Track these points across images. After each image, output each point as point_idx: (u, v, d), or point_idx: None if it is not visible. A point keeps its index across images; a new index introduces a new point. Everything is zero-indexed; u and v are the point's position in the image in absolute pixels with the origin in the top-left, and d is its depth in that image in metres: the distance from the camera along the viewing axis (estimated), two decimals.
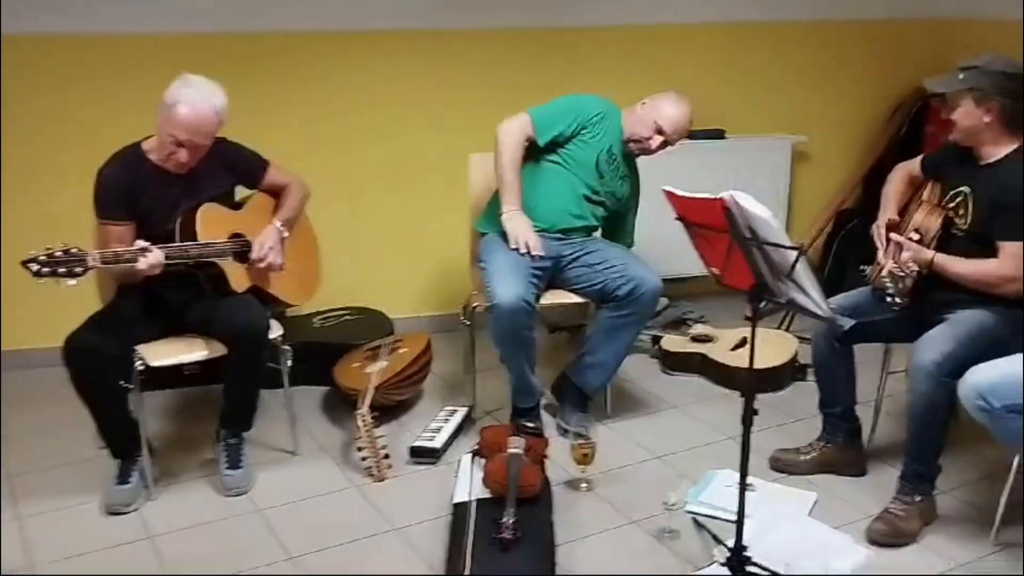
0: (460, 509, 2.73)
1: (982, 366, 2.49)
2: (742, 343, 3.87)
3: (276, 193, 3.15)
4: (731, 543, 2.49)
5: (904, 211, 2.98)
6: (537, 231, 3.22)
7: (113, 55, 3.68)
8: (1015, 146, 2.72)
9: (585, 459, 2.97)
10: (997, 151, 2.73)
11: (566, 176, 3.32)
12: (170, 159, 2.83)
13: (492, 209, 3.34)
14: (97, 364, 2.71)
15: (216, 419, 3.04)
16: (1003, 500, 2.67)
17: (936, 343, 2.64)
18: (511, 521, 2.56)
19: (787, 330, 4.09)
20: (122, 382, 2.77)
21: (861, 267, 4.44)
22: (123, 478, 2.87)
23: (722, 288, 2.48)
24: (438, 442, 3.19)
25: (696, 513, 2.83)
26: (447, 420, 3.34)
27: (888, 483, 2.92)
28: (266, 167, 3.11)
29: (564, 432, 3.29)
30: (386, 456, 3.07)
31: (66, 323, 2.77)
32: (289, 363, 3.17)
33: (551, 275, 3.29)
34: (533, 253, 3.14)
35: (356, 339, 3.71)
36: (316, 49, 3.88)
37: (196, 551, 2.67)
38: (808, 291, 2.17)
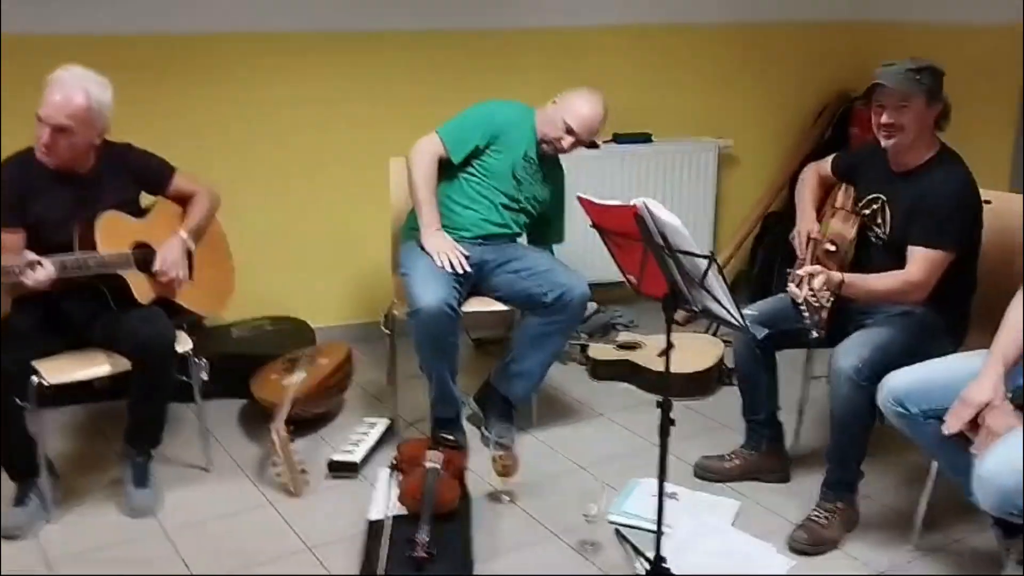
0: (375, 527, 2.65)
1: (899, 371, 2.48)
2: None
3: (184, 201, 3.03)
4: (652, 555, 2.45)
5: (819, 215, 2.97)
6: (457, 239, 3.16)
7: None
8: (935, 151, 2.71)
9: (506, 471, 2.91)
10: (919, 158, 2.71)
11: (483, 187, 3.26)
12: (39, 145, 2.69)
13: (414, 216, 3.27)
14: None
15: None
16: (922, 505, 2.67)
17: (855, 349, 2.62)
18: (426, 539, 2.48)
19: (715, 334, 4.07)
20: (17, 400, 2.63)
21: (788, 270, 4.46)
22: (20, 500, 2.73)
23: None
24: (357, 456, 3.10)
25: (618, 524, 2.79)
26: (367, 432, 3.26)
27: (811, 489, 2.91)
28: (172, 174, 2.99)
29: (487, 442, 3.22)
30: (303, 471, 2.97)
31: None
32: (205, 376, 3.05)
33: (474, 282, 3.22)
34: (459, 271, 3.07)
35: (275, 349, 3.60)
36: (233, 51, 3.76)
37: None
38: (720, 300, 2.13)
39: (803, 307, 2.50)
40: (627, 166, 4.37)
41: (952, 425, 2.27)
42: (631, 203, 2.17)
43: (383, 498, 2.78)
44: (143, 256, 2.84)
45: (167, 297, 2.91)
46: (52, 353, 2.77)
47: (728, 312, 2.14)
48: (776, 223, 4.67)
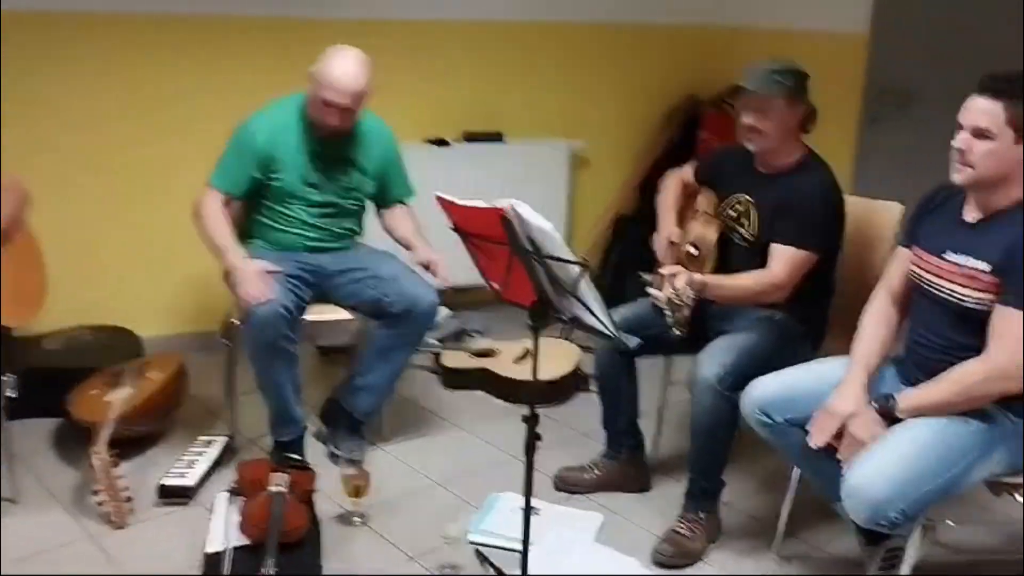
0: (213, 560, 2.39)
1: (762, 379, 2.44)
2: (525, 355, 3.72)
3: None
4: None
5: (681, 221, 2.91)
6: (287, 256, 2.95)
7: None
8: (801, 154, 2.70)
9: (358, 491, 2.71)
10: (784, 160, 2.69)
11: (285, 209, 2.99)
12: None
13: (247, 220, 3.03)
14: None
15: None
16: (784, 512, 2.65)
17: (717, 356, 2.57)
18: (272, 572, 2.26)
19: (567, 339, 3.98)
20: None
21: (639, 273, 4.43)
22: None
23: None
24: (191, 479, 2.82)
25: (479, 544, 2.64)
26: (203, 452, 2.98)
27: (672, 497, 2.86)
28: None
29: (335, 460, 3.00)
30: (128, 499, 2.68)
31: None
32: (12, 393, 2.70)
33: (317, 288, 2.99)
34: (269, 298, 2.76)
35: (95, 362, 3.25)
36: (51, 34, 3.37)
37: None
38: (593, 309, 2.01)
39: (665, 307, 2.42)
40: (477, 166, 4.22)
41: (817, 439, 2.24)
42: (497, 205, 2.02)
43: (222, 527, 2.52)
44: None
45: None
46: None
47: (601, 322, 2.02)
48: (627, 227, 4.64)
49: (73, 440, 3.04)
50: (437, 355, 3.82)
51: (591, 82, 4.59)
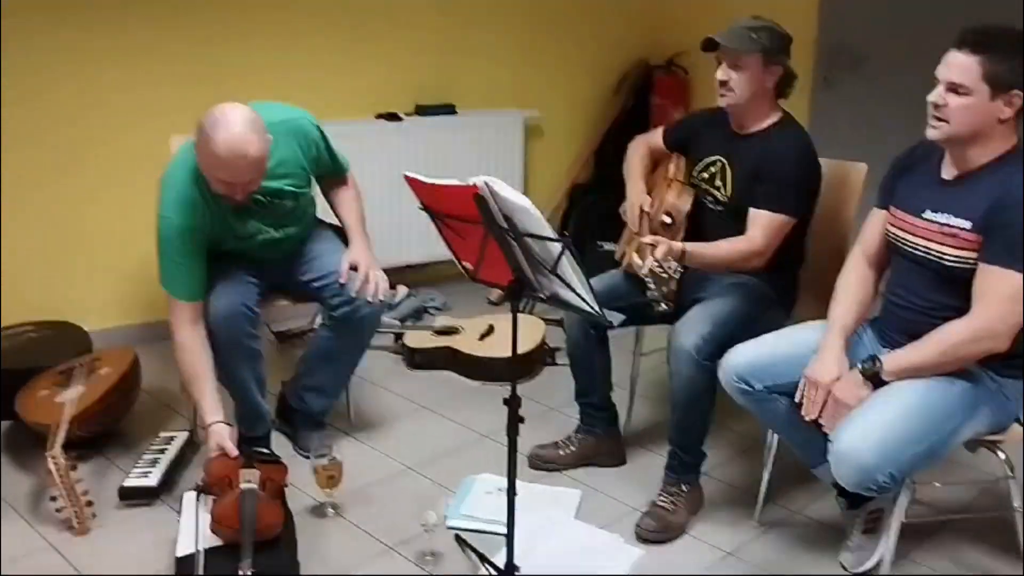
0: (185, 563, 2.28)
1: (740, 347, 2.41)
2: (489, 331, 3.66)
3: None
4: (498, 560, 2.26)
5: (649, 189, 2.86)
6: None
7: None
8: (778, 117, 2.65)
9: (331, 482, 2.63)
10: (761, 121, 2.64)
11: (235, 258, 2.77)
12: None
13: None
14: None
15: None
16: (764, 479, 2.63)
17: (694, 325, 2.54)
18: (249, 572, 2.17)
19: (531, 312, 3.93)
20: None
21: (599, 243, 4.39)
22: None
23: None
24: (154, 479, 2.71)
25: (458, 529, 2.58)
26: (164, 449, 2.86)
27: (649, 468, 2.85)
28: None
29: (304, 454, 2.91)
30: (88, 503, 2.56)
31: None
32: None
33: (269, 280, 2.86)
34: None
35: (43, 361, 3.10)
36: None
37: None
38: (574, 286, 1.95)
39: (649, 279, 2.37)
40: (431, 139, 4.13)
41: (810, 411, 2.21)
42: (470, 182, 1.94)
43: (191, 528, 2.40)
44: None
45: None
46: None
47: (583, 299, 1.96)
48: (584, 195, 4.59)
49: (25, 444, 2.91)
50: (399, 335, 3.73)
51: (543, 50, 4.50)
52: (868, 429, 2.05)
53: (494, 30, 4.36)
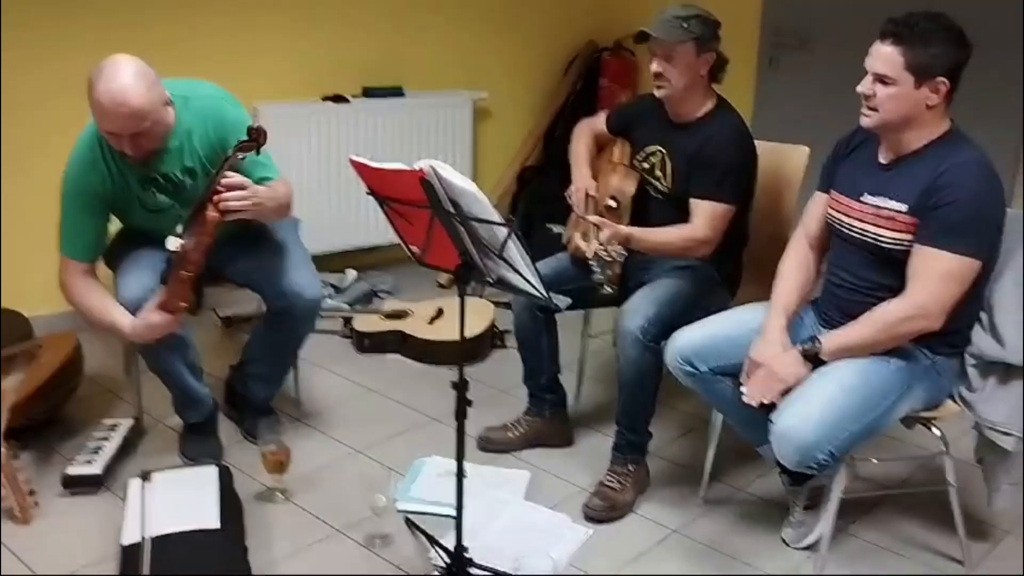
0: (130, 552, 2.26)
1: (685, 330, 2.44)
2: (439, 314, 3.66)
3: None
4: (447, 542, 2.27)
5: (593, 172, 2.87)
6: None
7: None
8: (713, 104, 2.67)
9: (279, 467, 2.62)
10: (696, 109, 2.66)
11: (143, 233, 2.70)
12: None
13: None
14: None
15: None
16: (709, 458, 2.67)
17: (640, 308, 2.56)
18: None
19: (480, 296, 3.93)
20: None
21: (547, 225, 4.40)
22: None
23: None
24: (98, 466, 2.67)
25: (408, 511, 2.58)
26: (108, 436, 2.82)
27: (597, 449, 2.88)
28: None
29: (251, 439, 2.89)
30: (31, 492, 2.52)
31: None
32: None
33: (209, 264, 2.80)
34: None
35: None
36: None
37: None
38: (521, 270, 1.96)
39: (593, 262, 2.38)
40: (378, 122, 4.10)
41: (754, 394, 2.22)
42: (416, 166, 1.93)
43: (137, 516, 2.39)
44: None
45: None
46: None
47: (530, 283, 1.97)
48: (533, 177, 4.60)
49: None
50: (348, 319, 3.72)
51: (491, 31, 4.49)
52: (807, 409, 2.10)
53: (442, 11, 4.33)
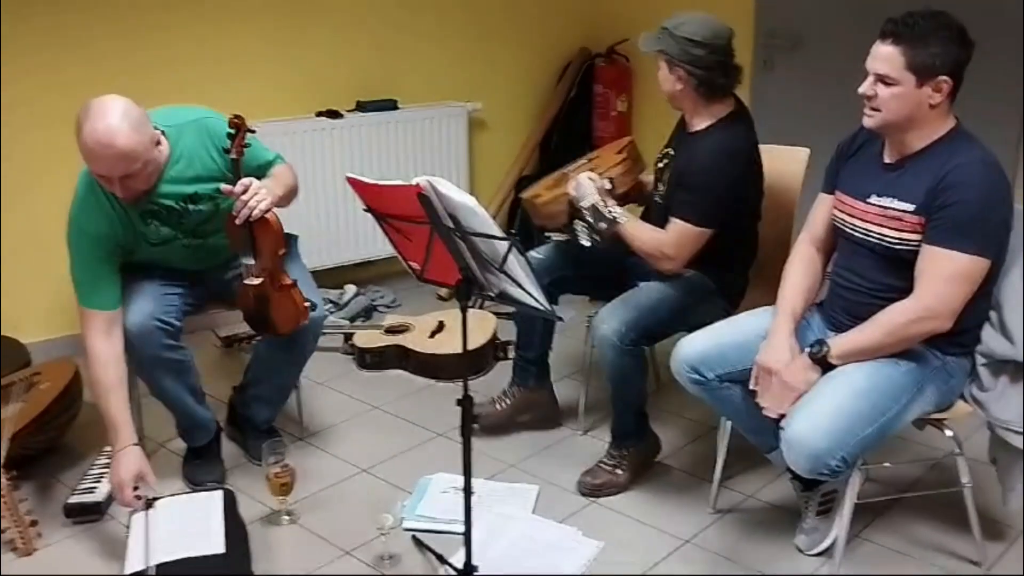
0: None
1: (690, 338, 2.42)
2: (440, 328, 3.63)
3: None
4: (456, 560, 2.24)
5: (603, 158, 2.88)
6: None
7: None
8: (711, 121, 2.61)
9: (284, 489, 2.59)
10: (698, 121, 2.64)
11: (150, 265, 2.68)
12: None
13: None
14: None
15: None
16: (718, 466, 2.64)
17: (617, 313, 2.59)
18: None
19: (481, 307, 3.90)
20: None
21: (547, 234, 4.38)
22: None
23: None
24: (100, 494, 2.64)
25: (415, 530, 2.55)
26: (109, 464, 2.77)
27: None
28: None
29: (255, 461, 2.86)
30: (33, 523, 2.49)
31: None
32: None
33: (203, 289, 2.79)
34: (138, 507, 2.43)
35: None
36: None
37: None
38: (523, 283, 1.93)
39: (588, 211, 2.48)
40: (372, 136, 4.07)
41: (767, 401, 2.21)
42: (414, 182, 1.91)
43: (141, 543, 2.35)
44: None
45: None
46: None
47: (531, 296, 1.94)
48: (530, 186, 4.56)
49: None
50: (348, 335, 3.68)
51: (484, 42, 4.46)
52: (818, 415, 2.07)
53: (434, 22, 4.30)
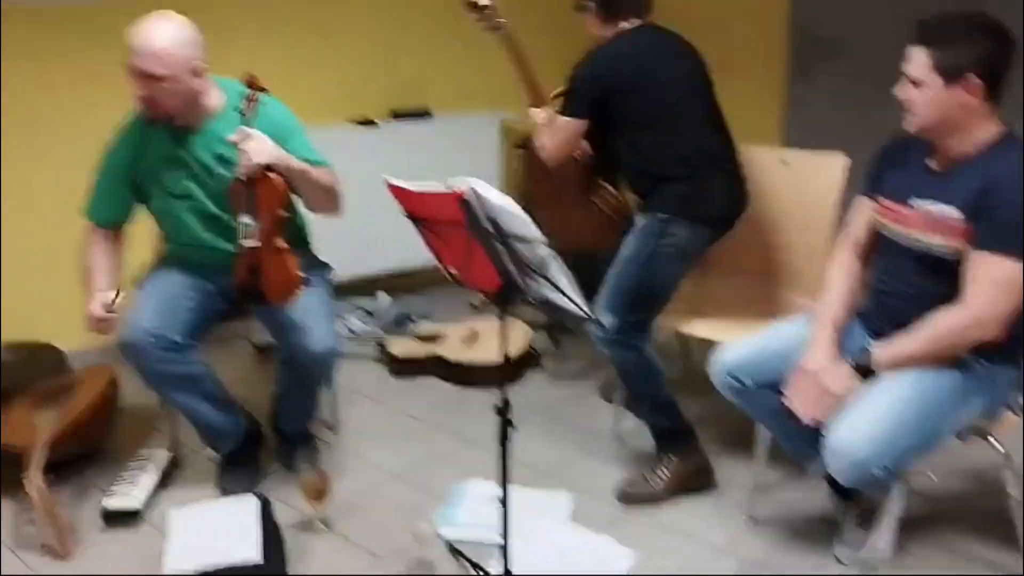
0: None
1: (729, 344, 2.40)
2: (473, 336, 3.62)
3: None
4: (492, 569, 2.22)
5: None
6: (188, 276, 2.72)
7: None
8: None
9: (319, 496, 2.58)
10: None
11: (172, 229, 2.70)
12: None
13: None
14: None
15: None
16: (755, 474, 2.61)
17: (601, 305, 2.60)
18: None
19: (515, 316, 3.89)
20: None
21: None
22: None
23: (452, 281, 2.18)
24: (136, 499, 2.65)
25: (451, 538, 2.54)
26: (146, 469, 2.80)
27: (637, 468, 2.81)
28: None
29: (290, 467, 2.86)
30: (70, 527, 2.51)
31: None
32: None
33: (232, 305, 2.78)
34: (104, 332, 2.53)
35: (19, 382, 3.04)
36: None
37: None
38: (563, 288, 1.91)
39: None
40: (407, 144, 4.08)
41: (803, 407, 2.18)
42: (454, 186, 1.90)
43: (177, 549, 2.35)
44: None
45: None
46: None
47: (573, 301, 1.92)
48: None
49: (4, 469, 2.83)
50: (382, 343, 3.68)
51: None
52: (861, 423, 2.03)
53: (469, 31, 4.29)
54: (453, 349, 3.54)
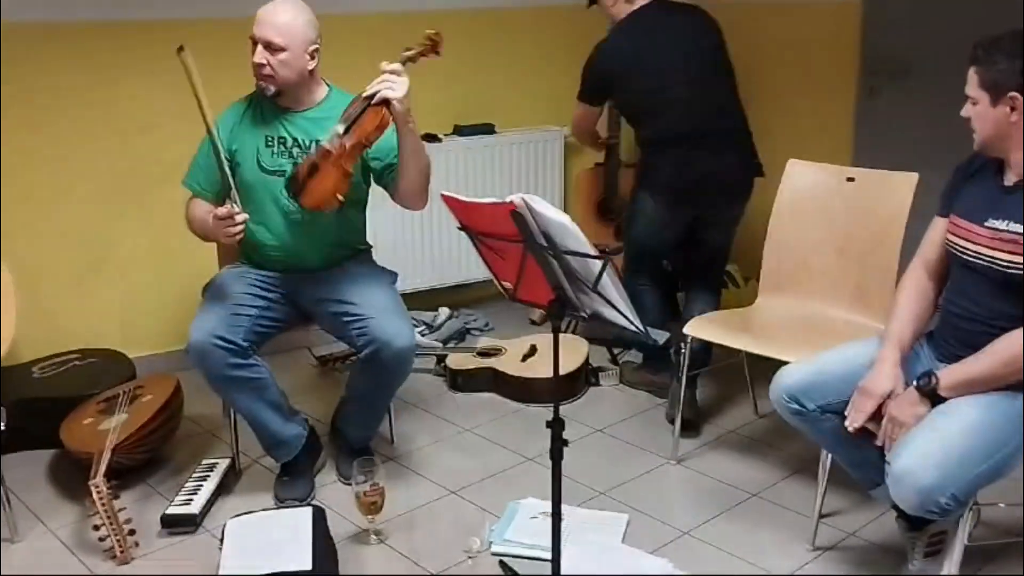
0: None
1: (790, 367, 2.35)
2: (532, 352, 3.60)
3: None
4: None
5: None
6: (258, 276, 2.79)
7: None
8: None
9: (373, 508, 2.59)
10: None
11: (254, 214, 2.68)
12: None
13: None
14: None
15: None
16: (818, 502, 2.53)
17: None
18: None
19: (574, 332, 3.87)
20: None
21: None
22: None
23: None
24: (196, 506, 2.69)
25: (503, 554, 2.52)
26: (206, 477, 2.84)
27: (699, 490, 2.77)
28: None
29: (345, 479, 2.87)
30: (131, 531, 2.55)
31: None
32: (2, 425, 2.56)
33: (297, 310, 2.82)
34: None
35: (88, 388, 3.13)
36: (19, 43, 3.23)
37: None
38: (616, 304, 1.89)
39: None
40: (470, 160, 4.11)
41: (855, 419, 2.15)
42: (508, 200, 1.90)
43: (232, 556, 2.38)
44: None
45: None
46: None
47: (625, 317, 1.90)
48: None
49: (69, 472, 2.91)
50: (441, 357, 3.69)
51: (580, 67, 4.44)
52: (927, 449, 1.96)
53: (532, 47, 4.33)
54: (510, 364, 3.52)
